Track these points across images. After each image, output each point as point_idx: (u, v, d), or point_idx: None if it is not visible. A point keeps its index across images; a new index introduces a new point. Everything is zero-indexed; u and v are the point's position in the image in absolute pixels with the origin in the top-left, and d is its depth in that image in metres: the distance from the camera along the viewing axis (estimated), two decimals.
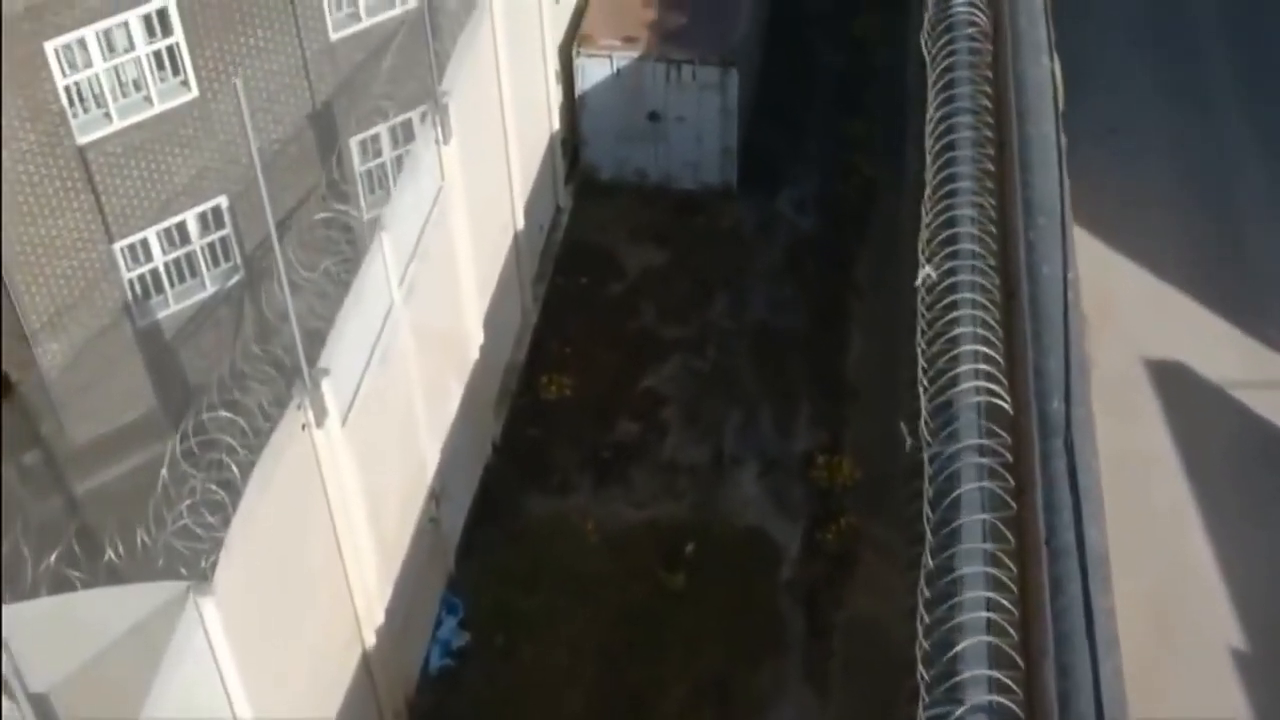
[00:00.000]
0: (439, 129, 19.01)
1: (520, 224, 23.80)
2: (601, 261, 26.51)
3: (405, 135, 23.72)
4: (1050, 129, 16.43)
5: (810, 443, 23.22)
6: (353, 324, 16.20)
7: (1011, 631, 11.91)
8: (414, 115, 23.35)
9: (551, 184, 26.60)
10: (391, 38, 22.58)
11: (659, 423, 23.64)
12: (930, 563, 12.58)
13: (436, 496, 19.85)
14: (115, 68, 20.17)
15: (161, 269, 22.01)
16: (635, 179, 27.75)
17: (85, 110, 20.21)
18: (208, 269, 22.48)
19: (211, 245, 22.33)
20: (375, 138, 23.62)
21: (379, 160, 23.87)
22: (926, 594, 12.40)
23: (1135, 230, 20.53)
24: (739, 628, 20.71)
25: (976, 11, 19.04)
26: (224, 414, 15.03)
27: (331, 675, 16.97)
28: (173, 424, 22.50)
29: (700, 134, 26.97)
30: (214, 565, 12.86)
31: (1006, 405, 13.72)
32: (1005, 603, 12.07)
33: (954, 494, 12.94)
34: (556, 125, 26.37)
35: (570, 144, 27.58)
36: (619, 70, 26.44)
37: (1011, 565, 12.39)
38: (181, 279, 22.34)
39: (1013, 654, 11.84)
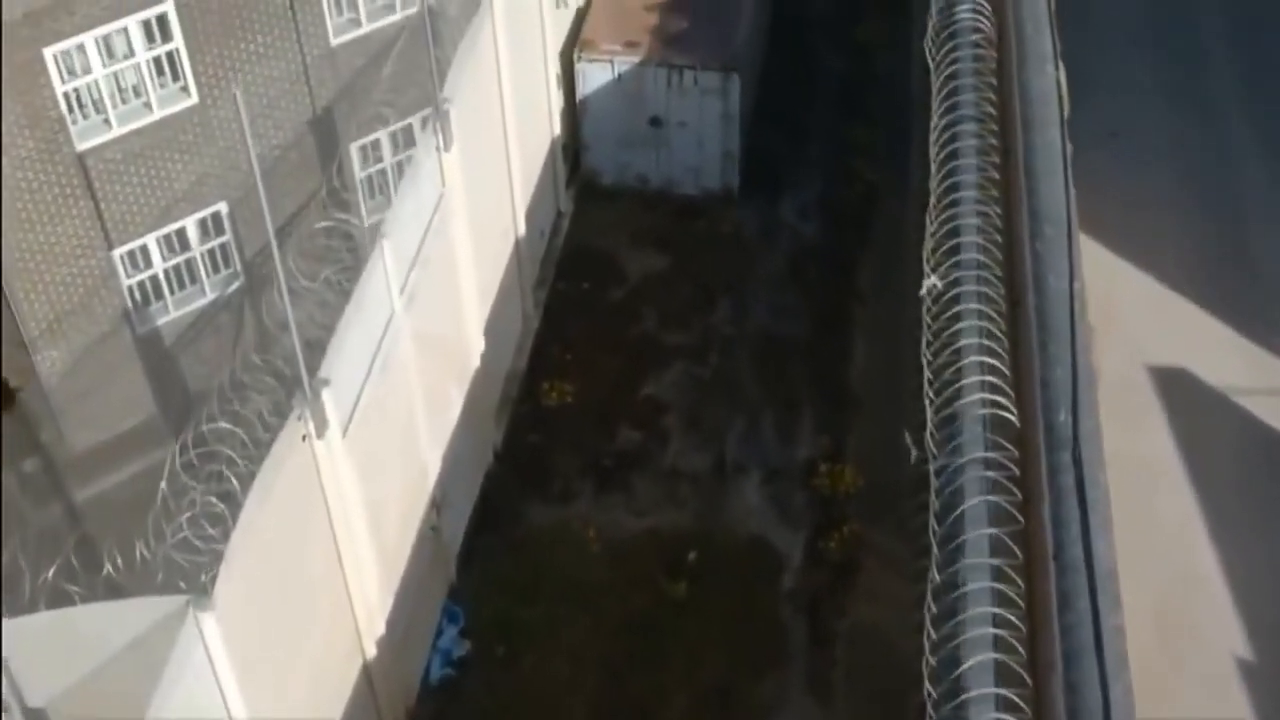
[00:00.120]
0: (440, 136, 18.91)
1: (521, 230, 23.70)
2: (603, 267, 26.42)
3: (406, 140, 23.62)
4: (1056, 137, 16.34)
5: (813, 450, 23.12)
6: (353, 333, 16.10)
7: (1019, 648, 11.81)
8: (414, 120, 23.25)
9: (553, 189, 26.50)
10: (392, 43, 22.47)
11: (661, 430, 23.55)
12: (937, 577, 12.47)
13: (437, 505, 19.75)
14: (115, 74, 20.06)
15: (161, 275, 21.89)
16: (636, 184, 27.66)
17: (84, 116, 20.08)
18: (208, 275, 22.36)
19: (211, 252, 22.22)
20: (376, 143, 23.52)
21: (379, 166, 23.76)
22: (933, 609, 12.29)
23: (1137, 235, 20.45)
24: (741, 637, 20.61)
25: (981, 18, 18.94)
26: (224, 425, 14.88)
27: (332, 686, 16.87)
28: (172, 431, 22.41)
29: (702, 139, 26.88)
30: (214, 579, 12.75)
31: (1013, 417, 13.61)
32: (1012, 618, 11.96)
33: (960, 508, 12.83)
34: (558, 130, 26.28)
35: (571, 149, 27.49)
36: (620, 75, 26.35)
37: (1019, 580, 12.28)
38: (181, 285, 22.22)
39: (1020, 671, 11.74)
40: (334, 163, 22.64)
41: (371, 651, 17.70)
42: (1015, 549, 12.52)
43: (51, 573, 13.54)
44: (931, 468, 13.70)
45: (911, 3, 29.59)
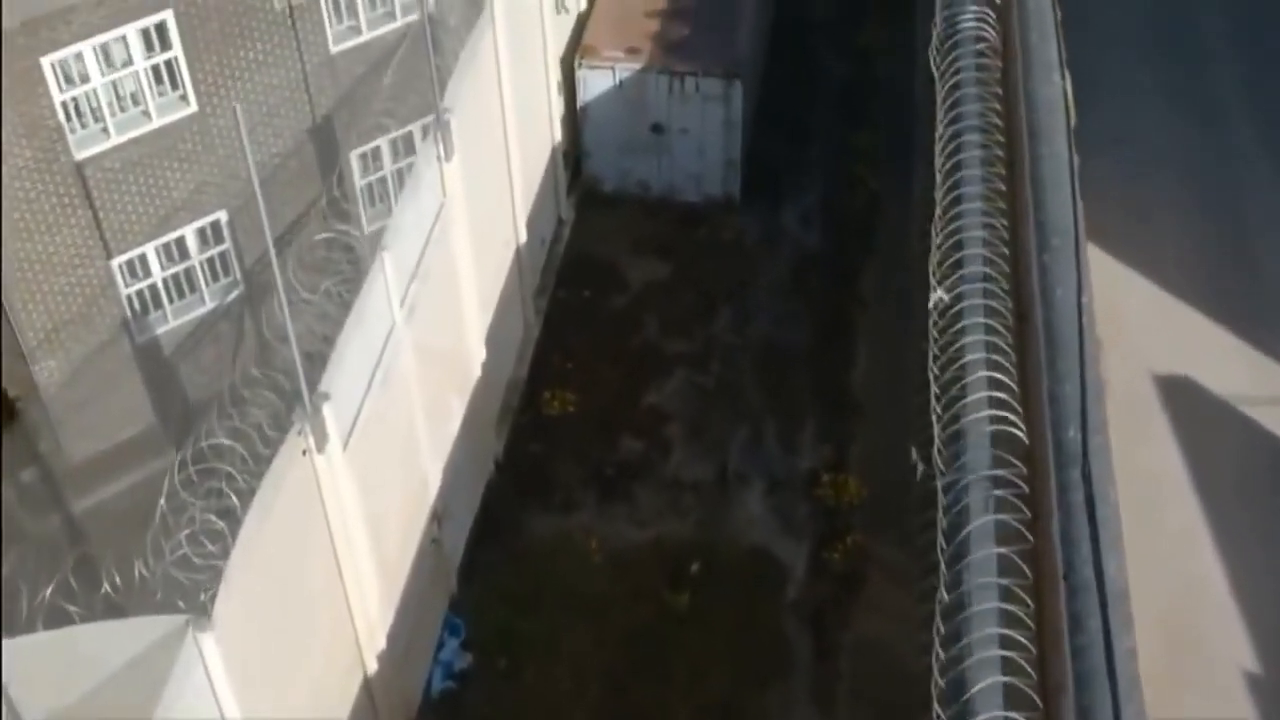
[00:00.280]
0: (440, 145, 18.77)
1: (522, 238, 23.57)
2: (604, 274, 26.29)
3: (406, 148, 23.50)
4: (1062, 148, 16.18)
5: (815, 460, 22.99)
6: (354, 346, 15.96)
7: (1029, 670, 11.65)
8: (415, 128, 23.13)
9: (553, 196, 26.37)
10: (392, 50, 22.35)
11: (663, 439, 23.42)
12: (945, 596, 12.32)
13: (438, 517, 19.61)
14: (113, 82, 19.94)
15: (160, 284, 21.77)
16: (638, 191, 27.54)
17: (83, 125, 19.96)
18: (207, 284, 22.24)
19: (211, 260, 22.09)
20: (376, 151, 23.39)
21: (379, 174, 23.63)
22: (942, 630, 12.15)
23: (1142, 243, 20.29)
24: (744, 649, 20.47)
25: (986, 27, 18.80)
26: (224, 441, 14.74)
27: (333, 701, 16.74)
28: (171, 441, 22.34)
29: (703, 146, 26.75)
30: (213, 598, 12.62)
31: (1021, 434, 13.46)
32: (1022, 639, 11.80)
33: (968, 526, 12.67)
34: (559, 137, 26.15)
35: (572, 156, 27.36)
36: (622, 82, 26.23)
37: (1028, 600, 12.12)
38: (181, 294, 22.10)
39: (1031, 694, 11.59)
40: (333, 170, 22.53)
41: (372, 665, 17.57)
42: (1024, 568, 12.36)
43: (50, 591, 13.39)
44: (939, 484, 13.54)
45: (914, 7, 29.52)
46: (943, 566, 12.64)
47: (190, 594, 13.27)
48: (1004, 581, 12.18)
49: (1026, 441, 13.59)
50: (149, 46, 19.95)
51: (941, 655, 11.95)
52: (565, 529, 22.01)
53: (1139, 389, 18.57)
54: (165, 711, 11.93)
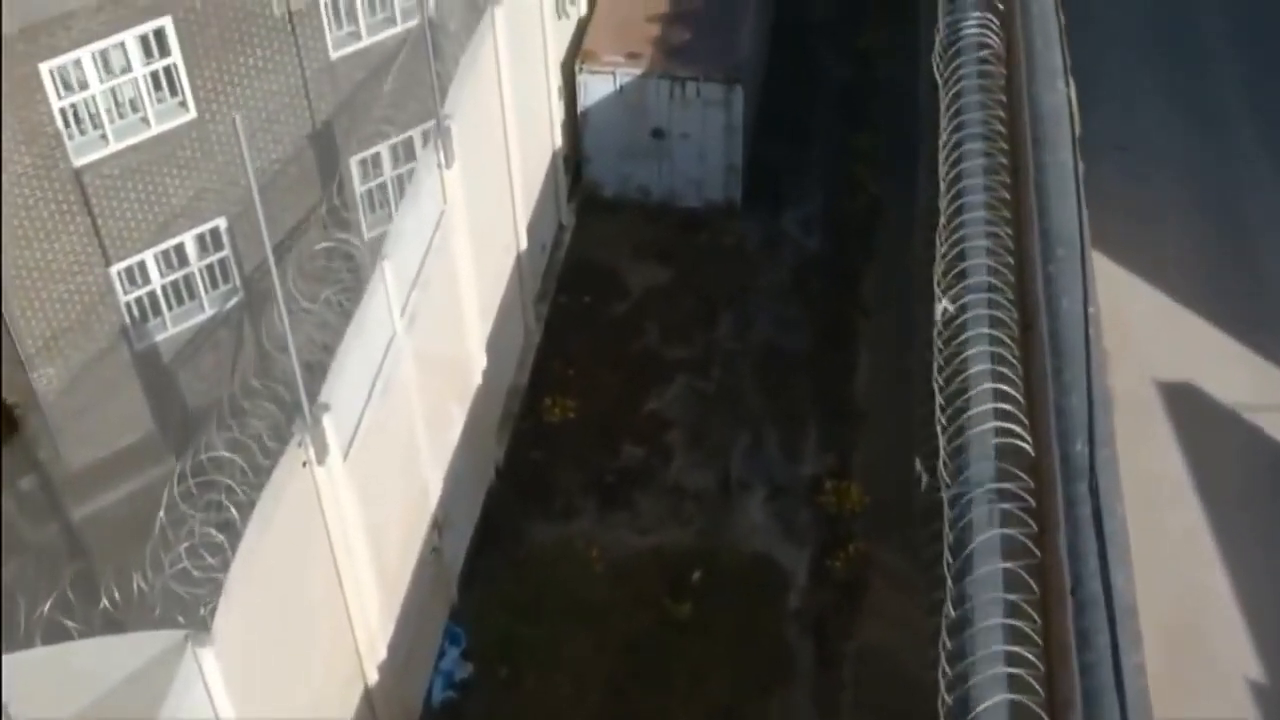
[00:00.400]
0: (441, 153, 18.67)
1: (523, 244, 23.47)
2: (604, 280, 26.20)
3: (406, 154, 23.40)
4: (1068, 156, 16.07)
5: (818, 467, 22.90)
6: (354, 356, 15.87)
7: (1037, 686, 11.56)
8: (415, 134, 23.03)
9: (554, 202, 26.27)
10: (392, 56, 22.25)
11: (664, 446, 23.34)
12: (951, 612, 12.22)
13: (439, 526, 19.52)
14: (112, 89, 19.81)
15: (159, 291, 21.65)
16: (638, 196, 27.45)
17: (82, 132, 19.83)
18: (206, 291, 22.12)
19: (210, 267, 21.98)
20: (376, 157, 23.28)
21: (379, 180, 23.52)
22: (948, 645, 12.05)
23: (1145, 249, 20.17)
24: (746, 657, 20.39)
25: (989, 33, 18.69)
26: (224, 453, 14.64)
27: (333, 712, 16.65)
28: (171, 448, 22.24)
29: (704, 151, 26.66)
30: (213, 612, 12.52)
31: (1027, 446, 13.36)
32: (1030, 656, 11.70)
33: (974, 541, 12.57)
34: (559, 142, 26.05)
35: (573, 161, 27.26)
36: (622, 87, 26.13)
37: (1035, 616, 12.03)
38: (180, 301, 21.97)
39: (1039, 711, 11.49)
40: (333, 176, 22.42)
41: (373, 676, 17.48)
42: (1031, 583, 12.26)
43: (48, 606, 13.28)
44: (944, 496, 13.44)
45: (914, 9, 29.42)
46: (949, 581, 12.53)
47: (189, 608, 13.15)
48: (1010, 597, 12.08)
49: (1032, 454, 13.48)
50: (148, 53, 19.83)
51: (948, 671, 11.85)
52: (566, 536, 21.92)
53: (1142, 394, 18.46)
54: None
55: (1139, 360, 18.66)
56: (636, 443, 23.34)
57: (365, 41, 22.13)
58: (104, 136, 20.02)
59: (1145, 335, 19.17)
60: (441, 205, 18.94)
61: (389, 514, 17.53)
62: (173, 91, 20.38)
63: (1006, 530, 12.64)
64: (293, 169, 22.12)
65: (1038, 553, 12.56)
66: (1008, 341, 14.51)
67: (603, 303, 25.73)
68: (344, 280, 18.17)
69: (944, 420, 13.88)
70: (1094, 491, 12.24)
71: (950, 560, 12.71)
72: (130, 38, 19.51)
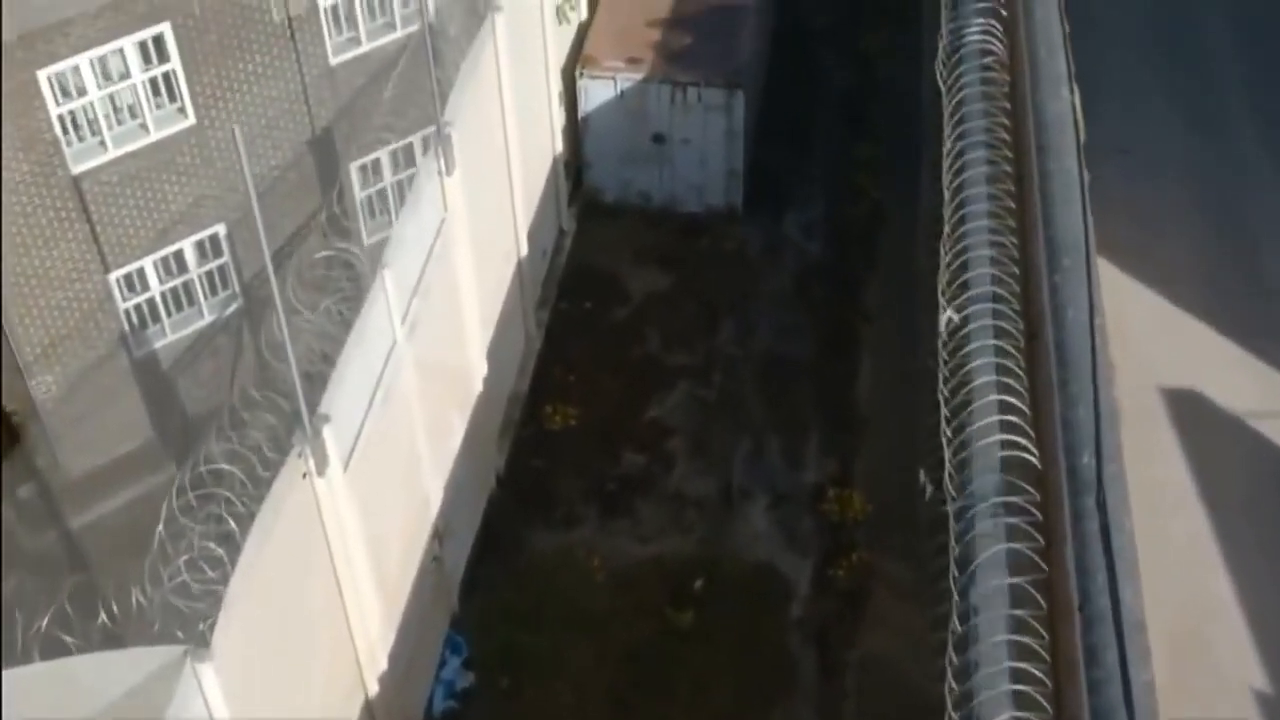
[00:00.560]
0: (442, 160, 18.56)
1: (524, 250, 23.36)
2: (605, 286, 26.08)
3: (406, 159, 23.30)
4: (1072, 164, 15.95)
5: (820, 474, 22.79)
6: (354, 365, 15.75)
7: (1045, 704, 11.44)
8: (415, 139, 22.93)
9: (555, 207, 26.16)
10: (392, 61, 22.15)
11: (665, 453, 23.21)
12: (958, 627, 12.10)
13: (440, 535, 19.40)
14: (111, 95, 19.71)
15: (158, 298, 21.56)
16: (639, 201, 27.33)
17: (80, 139, 19.74)
18: (205, 298, 22.02)
19: (209, 273, 21.88)
20: (376, 162, 23.18)
21: (379, 186, 23.42)
22: (955, 661, 11.94)
23: (1148, 254, 20.04)
24: (749, 667, 20.27)
25: (992, 40, 18.58)
26: (223, 466, 14.52)
27: None
28: (170, 455, 22.14)
29: (705, 156, 26.55)
30: (212, 626, 12.41)
31: (1034, 459, 13.25)
32: (1037, 673, 11.59)
33: (981, 556, 12.46)
34: (559, 147, 25.93)
35: (573, 166, 27.14)
36: (623, 92, 26.02)
37: (1043, 632, 11.91)
38: (179, 308, 21.89)
39: None
40: (333, 182, 22.33)
41: (373, 687, 17.37)
42: (1038, 598, 12.16)
43: (46, 621, 13.17)
44: (949, 509, 13.33)
45: (917, 13, 29.33)
46: (955, 595, 12.42)
47: (189, 622, 13.04)
48: (1017, 612, 11.97)
49: (1039, 467, 13.37)
50: (146, 59, 19.73)
51: (955, 688, 11.74)
52: (567, 545, 21.80)
53: (1144, 402, 18.35)
54: None
55: (1142, 366, 18.56)
56: (637, 450, 23.21)
57: (365, 47, 22.04)
58: (103, 143, 19.93)
59: (1148, 341, 19.06)
60: (442, 212, 18.82)
61: (390, 524, 17.42)
62: (171, 98, 20.28)
63: (1013, 545, 12.53)
64: (292, 175, 22.02)
65: (1045, 567, 12.44)
66: (1013, 352, 14.40)
67: (604, 309, 25.61)
68: (344, 289, 18.05)
69: (949, 432, 13.77)
70: (1101, 506, 12.12)
71: (956, 574, 12.60)
72: (129, 44, 19.42)
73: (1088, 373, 13.50)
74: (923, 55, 27.01)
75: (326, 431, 14.66)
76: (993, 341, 14.46)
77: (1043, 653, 11.85)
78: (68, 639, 12.99)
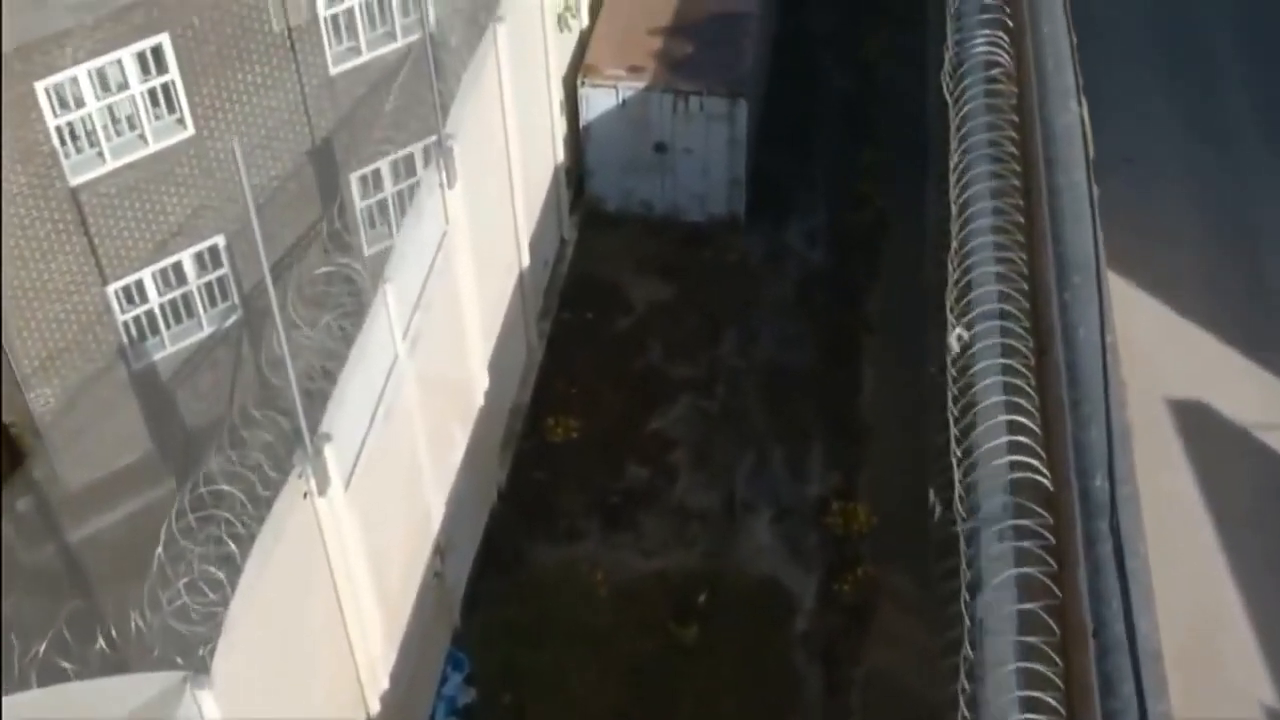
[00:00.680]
0: (443, 173, 18.38)
1: (525, 261, 23.17)
2: (607, 295, 25.90)
3: (407, 170, 23.14)
4: (1081, 179, 15.78)
5: (824, 487, 22.62)
6: (355, 382, 15.57)
7: None
8: (416, 149, 22.77)
9: (556, 217, 25.98)
10: (392, 71, 21.98)
11: (668, 466, 23.05)
12: (970, 652, 11.93)
13: (441, 550, 19.22)
14: (109, 106, 19.54)
15: (157, 310, 21.39)
16: (641, 210, 27.16)
17: (78, 150, 19.56)
18: (205, 309, 21.85)
19: (209, 285, 21.71)
20: (376, 173, 23.01)
21: (380, 196, 23.25)
22: (966, 688, 11.76)
23: (1154, 264, 19.87)
24: (753, 683, 20.12)
25: (999, 51, 18.40)
26: (223, 487, 14.35)
27: None
28: (169, 468, 21.98)
29: (707, 165, 26.37)
30: (212, 651, 12.23)
31: (1046, 481, 13.07)
32: (1051, 701, 11.42)
33: (993, 580, 12.28)
34: (561, 156, 25.75)
35: (575, 174, 26.96)
36: (624, 101, 25.84)
37: (1057, 659, 11.74)
38: (178, 320, 21.71)
39: None
40: (333, 193, 22.17)
41: (375, 705, 17.19)
42: (1051, 624, 11.98)
43: (44, 646, 12.99)
44: (960, 530, 13.15)
45: (919, 19, 29.14)
46: (966, 621, 12.24)
47: (189, 646, 12.86)
48: (1030, 639, 11.79)
49: (1051, 488, 13.19)
50: (145, 70, 19.55)
51: (968, 716, 11.56)
52: (569, 559, 21.64)
53: (1150, 413, 18.20)
54: None
55: (1148, 378, 18.39)
56: (640, 463, 23.05)
57: (365, 57, 21.87)
58: (101, 154, 19.76)
59: (1154, 352, 18.90)
60: (444, 226, 18.65)
61: (391, 542, 17.25)
62: (170, 109, 20.12)
63: (1025, 569, 12.35)
64: (292, 186, 21.86)
65: (1058, 593, 12.26)
66: (1023, 370, 14.22)
67: (605, 319, 25.44)
68: (345, 305, 17.87)
69: (958, 452, 13.59)
70: (1116, 531, 11.93)
71: (968, 598, 12.42)
72: (127, 55, 19.25)
73: (1100, 393, 13.32)
74: (925, 59, 26.86)
75: (328, 450, 14.49)
76: (1002, 360, 14.28)
77: (1057, 680, 11.68)
78: (66, 665, 12.81)
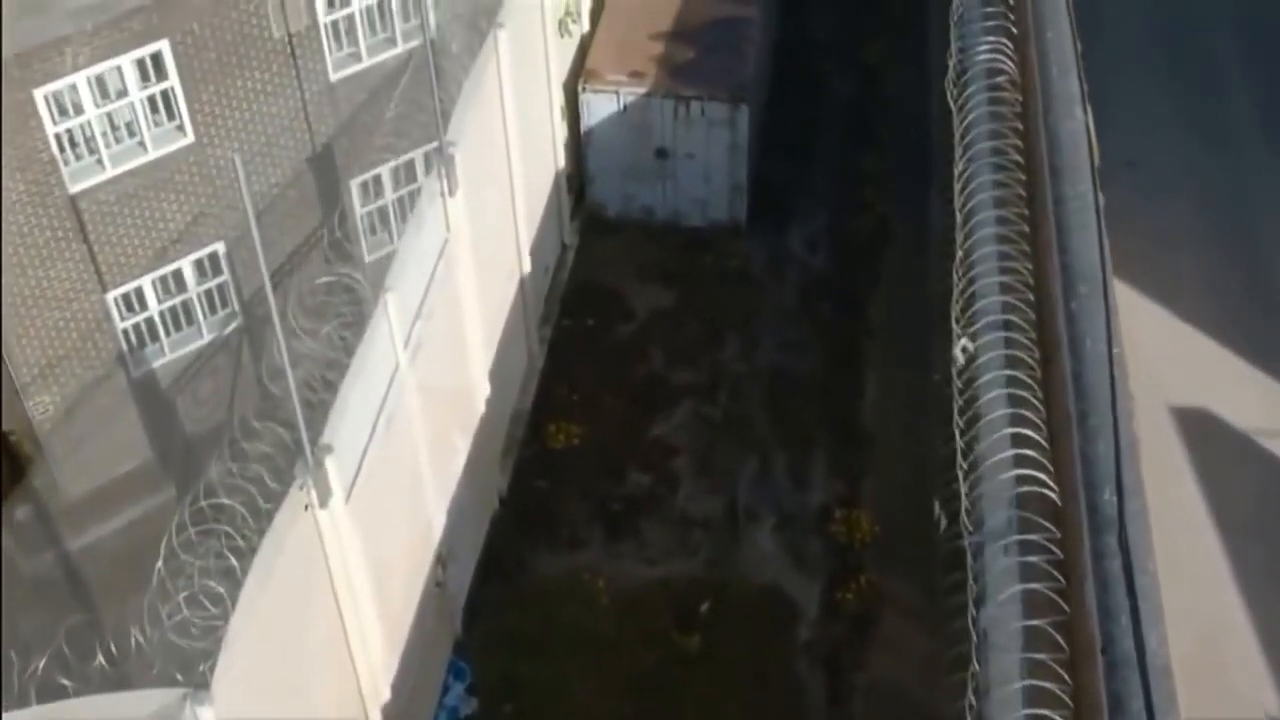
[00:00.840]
0: (444, 181, 18.28)
1: (526, 268, 23.08)
2: (608, 302, 25.79)
3: (407, 175, 23.04)
4: (1087, 188, 15.67)
5: (827, 495, 22.51)
6: (356, 392, 15.46)
7: None
8: (416, 155, 22.67)
9: (557, 223, 25.88)
10: (392, 77, 21.90)
11: (670, 473, 22.93)
12: (977, 667, 11.83)
13: (442, 560, 19.12)
14: (108, 113, 19.46)
15: (157, 318, 21.32)
16: (642, 216, 27.05)
17: (77, 157, 19.50)
18: (205, 316, 21.77)
19: (209, 292, 21.63)
20: (377, 179, 22.92)
21: (380, 202, 23.16)
22: (974, 704, 11.66)
23: (1156, 269, 19.79)
24: (756, 692, 19.99)
25: (1003, 58, 18.30)
26: (224, 501, 14.24)
27: None
28: (169, 476, 21.89)
29: (709, 171, 26.27)
30: (212, 667, 12.12)
31: (1054, 495, 12.96)
32: (1059, 719, 11.32)
33: (999, 595, 12.18)
34: (562, 162, 25.66)
35: (576, 180, 26.85)
36: (626, 106, 25.73)
37: (1066, 677, 11.63)
38: (178, 327, 21.66)
39: None
40: (333, 199, 22.08)
41: (377, 717, 17.09)
42: (1059, 640, 11.87)
43: (43, 662, 12.89)
44: (966, 544, 13.04)
45: (921, 24, 29.07)
46: (973, 636, 12.14)
47: (189, 662, 12.75)
48: (1038, 656, 11.68)
49: (1058, 502, 13.09)
50: (144, 77, 19.48)
51: None
52: (571, 568, 21.51)
53: (1153, 420, 18.11)
54: None
55: (1149, 384, 18.30)
56: (642, 470, 22.94)
57: (366, 63, 21.80)
58: (100, 162, 19.71)
59: (1158, 359, 18.81)
60: (445, 234, 18.54)
61: (393, 552, 17.15)
62: (170, 115, 20.06)
63: (1031, 585, 12.24)
64: (292, 192, 21.78)
65: (1066, 608, 12.16)
66: (1029, 382, 14.12)
67: (607, 325, 25.33)
68: (345, 315, 17.76)
69: (965, 464, 13.49)
70: (1124, 547, 11.83)
71: (974, 613, 12.32)
72: (127, 62, 19.19)
73: (1107, 405, 13.21)
74: (926, 63, 26.78)
75: (329, 462, 14.38)
76: (1008, 371, 14.17)
77: (1065, 698, 11.58)
78: (65, 682, 12.70)
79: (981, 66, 18.29)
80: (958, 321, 15.04)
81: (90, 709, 12.06)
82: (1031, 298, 15.30)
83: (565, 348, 24.88)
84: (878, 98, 30.02)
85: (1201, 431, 17.78)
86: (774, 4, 29.77)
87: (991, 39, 18.73)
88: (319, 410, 15.05)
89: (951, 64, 18.74)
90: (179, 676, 12.47)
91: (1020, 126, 17.62)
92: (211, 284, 21.62)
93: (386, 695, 17.21)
